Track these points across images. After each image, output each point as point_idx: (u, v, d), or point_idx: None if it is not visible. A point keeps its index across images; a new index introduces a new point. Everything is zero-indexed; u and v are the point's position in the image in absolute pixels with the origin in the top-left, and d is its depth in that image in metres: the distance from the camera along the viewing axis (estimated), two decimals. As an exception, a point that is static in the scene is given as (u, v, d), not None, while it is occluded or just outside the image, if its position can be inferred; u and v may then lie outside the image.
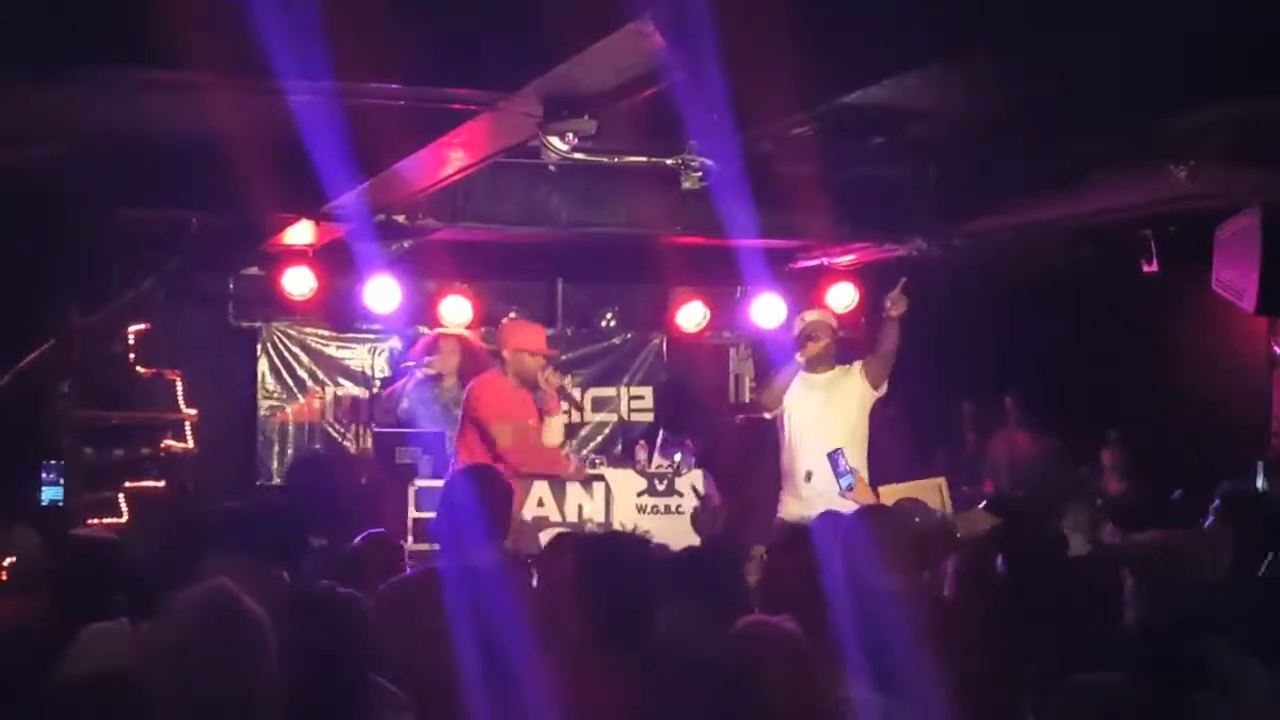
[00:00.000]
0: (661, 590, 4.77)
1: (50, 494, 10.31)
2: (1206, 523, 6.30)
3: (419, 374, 11.43)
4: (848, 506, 7.44)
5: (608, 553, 5.08)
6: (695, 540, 8.96)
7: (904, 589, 5.42)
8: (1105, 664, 3.95)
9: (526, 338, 9.81)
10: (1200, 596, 4.81)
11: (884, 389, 9.47)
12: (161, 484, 10.89)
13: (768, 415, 9.76)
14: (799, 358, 9.44)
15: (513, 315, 12.01)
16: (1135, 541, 5.18)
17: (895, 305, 9.26)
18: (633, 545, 5.31)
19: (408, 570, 7.06)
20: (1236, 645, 4.52)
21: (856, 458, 9.09)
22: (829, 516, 6.64)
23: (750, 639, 3.97)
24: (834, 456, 8.83)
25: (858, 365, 9.52)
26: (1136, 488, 10.44)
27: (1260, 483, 9.61)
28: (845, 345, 12.31)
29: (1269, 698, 4.41)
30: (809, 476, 9.17)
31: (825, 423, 9.32)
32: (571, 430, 12.62)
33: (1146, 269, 10.22)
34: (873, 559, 5.52)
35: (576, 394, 12.93)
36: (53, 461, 10.46)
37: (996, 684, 4.77)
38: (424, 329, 12.65)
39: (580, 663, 4.44)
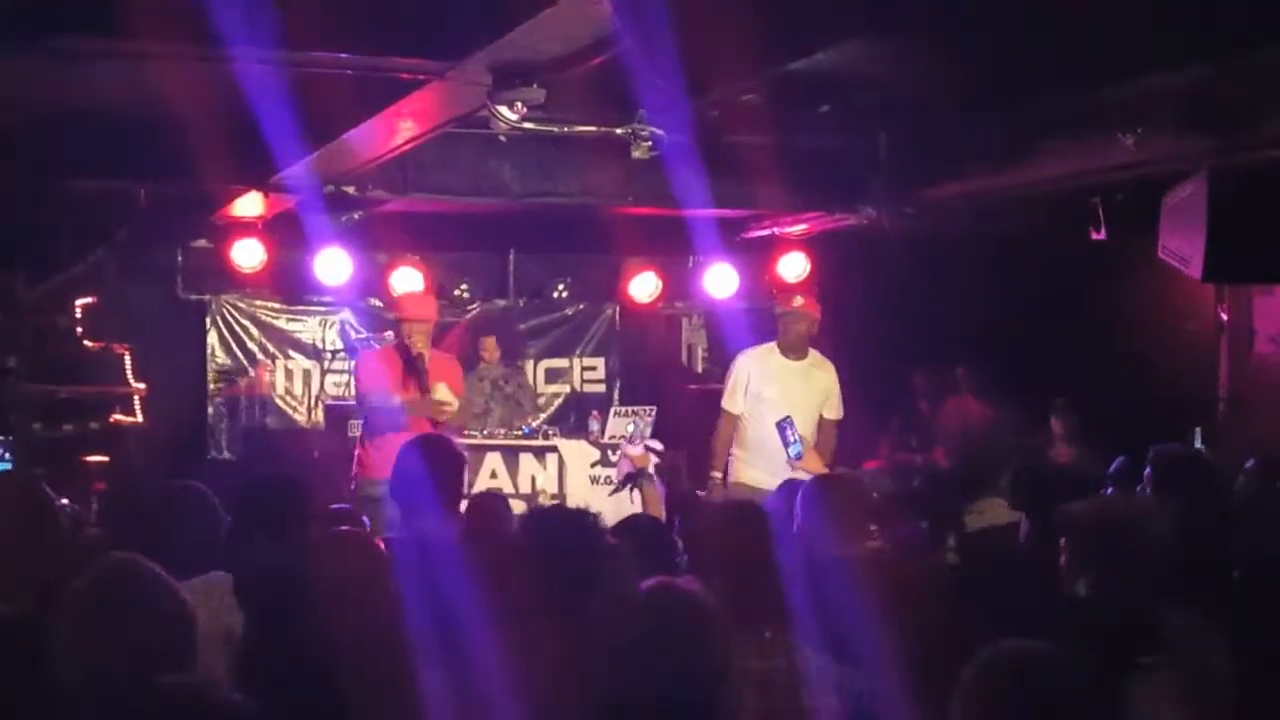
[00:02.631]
0: (604, 560, 4.78)
1: (-1, 469, 10.25)
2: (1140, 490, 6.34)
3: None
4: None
5: (550, 524, 5.08)
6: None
7: (858, 557, 5.44)
8: (1051, 632, 3.97)
9: (412, 306, 9.94)
10: (1138, 563, 4.83)
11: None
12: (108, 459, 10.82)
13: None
14: (776, 344, 9.51)
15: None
16: (1068, 510, 5.19)
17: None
18: (574, 517, 5.31)
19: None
20: (1182, 609, 4.56)
21: (808, 433, 9.16)
22: (786, 485, 6.65)
23: (655, 600, 3.99)
24: (782, 425, 8.86)
25: (831, 379, 9.56)
26: (1085, 455, 10.49)
27: (1197, 448, 9.69)
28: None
29: (1213, 660, 4.46)
30: (766, 457, 9.17)
31: (795, 406, 9.33)
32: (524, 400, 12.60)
33: (1095, 236, 10.25)
34: (827, 527, 5.53)
35: (529, 366, 12.96)
36: (1, 438, 10.40)
37: (947, 652, 4.79)
38: (375, 301, 12.62)
39: (529, 632, 4.44)
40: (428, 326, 9.57)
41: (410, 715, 4.18)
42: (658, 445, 8.96)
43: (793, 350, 9.53)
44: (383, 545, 5.36)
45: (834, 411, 9.56)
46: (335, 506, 7.12)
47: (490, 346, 11.89)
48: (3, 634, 3.44)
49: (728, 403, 9.55)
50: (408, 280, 12.25)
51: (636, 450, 8.74)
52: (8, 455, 10.37)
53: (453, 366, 9.81)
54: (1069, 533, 4.96)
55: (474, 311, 13.08)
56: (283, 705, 3.73)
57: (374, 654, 4.37)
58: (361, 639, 4.36)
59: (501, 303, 13.26)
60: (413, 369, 9.33)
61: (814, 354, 9.64)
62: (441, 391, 9.34)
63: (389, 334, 11.59)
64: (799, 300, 9.82)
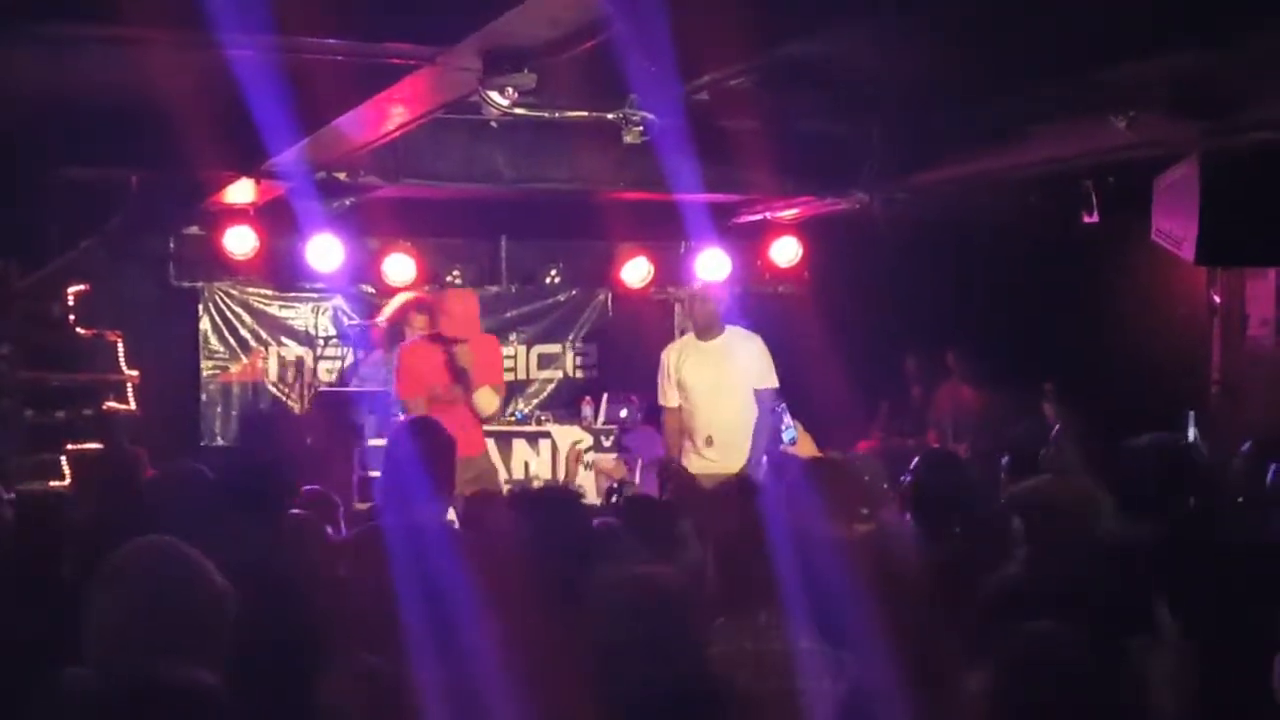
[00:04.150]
0: (598, 542, 4.79)
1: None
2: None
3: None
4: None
5: (542, 507, 5.09)
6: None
7: (849, 540, 5.45)
8: (1041, 612, 3.98)
9: (455, 324, 9.51)
10: (1085, 546, 4.87)
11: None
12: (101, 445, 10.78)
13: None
14: (692, 335, 9.52)
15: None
16: (1021, 490, 5.24)
17: None
18: (566, 500, 5.32)
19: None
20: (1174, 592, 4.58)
21: (750, 415, 9.12)
22: (775, 466, 6.66)
23: (628, 587, 4.01)
24: (776, 412, 8.88)
25: (756, 350, 9.49)
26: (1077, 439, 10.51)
27: (1191, 434, 9.70)
28: (789, 300, 12.42)
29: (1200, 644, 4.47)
30: (710, 441, 9.16)
31: (720, 386, 9.30)
32: (518, 387, 12.61)
33: (1087, 220, 10.26)
34: (818, 510, 5.54)
35: (511, 350, 12.87)
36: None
37: (937, 633, 4.80)
38: (367, 288, 12.62)
39: (523, 617, 4.45)
40: (468, 344, 9.38)
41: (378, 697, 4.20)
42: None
43: (706, 331, 9.51)
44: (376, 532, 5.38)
45: (765, 381, 9.43)
46: (306, 489, 7.14)
47: (421, 327, 11.36)
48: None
49: (661, 399, 9.55)
50: (402, 266, 12.25)
51: (608, 462, 8.79)
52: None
53: (494, 351, 9.67)
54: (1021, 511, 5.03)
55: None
56: (267, 689, 3.73)
57: (362, 639, 4.38)
58: (349, 623, 4.38)
59: (493, 289, 13.24)
60: (456, 369, 9.25)
61: (734, 330, 9.56)
62: (485, 397, 9.22)
63: (380, 319, 11.59)
64: (698, 283, 9.86)
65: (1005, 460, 7.47)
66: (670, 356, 9.54)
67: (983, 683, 3.45)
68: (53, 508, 5.92)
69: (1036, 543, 4.98)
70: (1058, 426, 10.96)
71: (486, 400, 9.19)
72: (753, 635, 4.56)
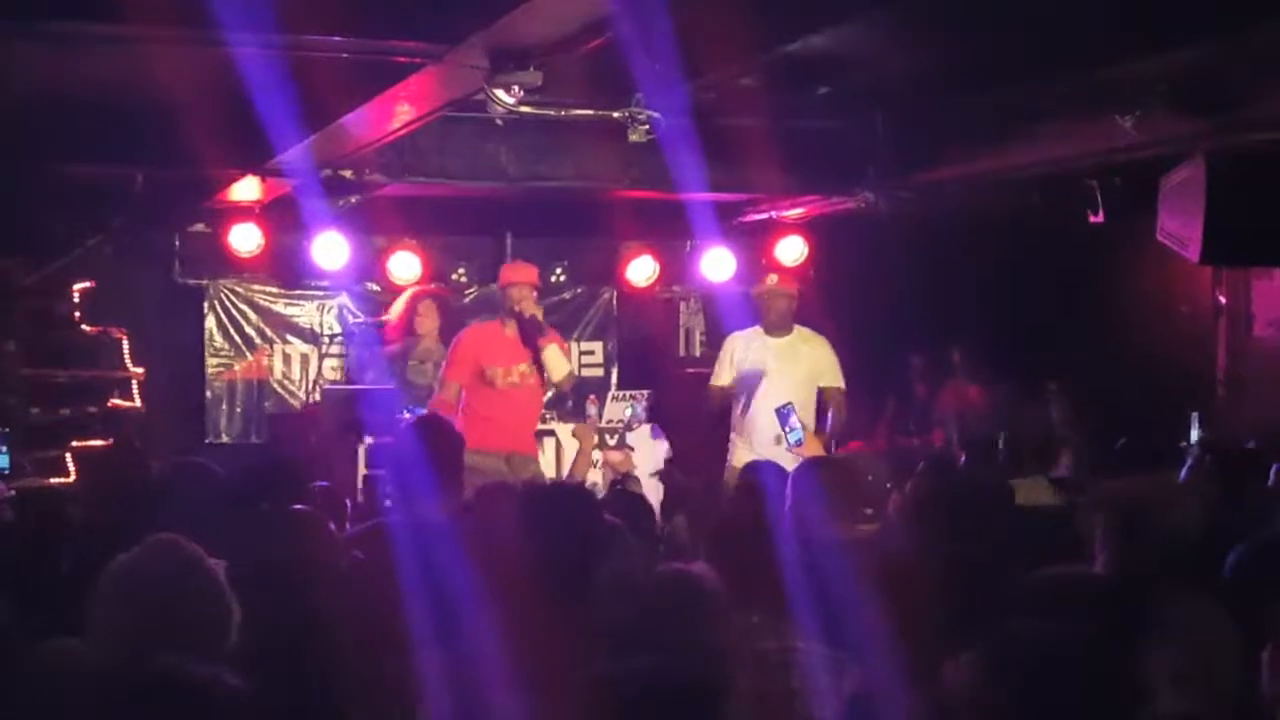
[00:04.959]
0: (603, 540, 4.79)
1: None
2: (1183, 473, 6.36)
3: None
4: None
5: (548, 505, 5.08)
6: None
7: (852, 540, 5.45)
8: (1051, 613, 3.97)
9: (513, 272, 9.75)
10: (1169, 545, 4.84)
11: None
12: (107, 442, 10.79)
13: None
14: (760, 326, 9.59)
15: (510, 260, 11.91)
16: (1107, 489, 5.21)
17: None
18: (572, 497, 5.31)
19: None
20: (1195, 591, 4.55)
21: (807, 417, 9.23)
22: (777, 468, 6.66)
23: (670, 584, 4.01)
24: (784, 412, 8.90)
25: (823, 351, 9.61)
26: (1081, 439, 10.51)
27: (1195, 434, 9.71)
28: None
29: (1224, 644, 4.44)
30: (778, 439, 9.21)
31: (783, 385, 9.41)
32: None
33: (1092, 220, 10.25)
34: (821, 510, 5.54)
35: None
36: (5, 430, 10.38)
37: (942, 634, 4.80)
38: (373, 285, 12.62)
39: (528, 615, 4.45)
40: (531, 289, 9.52)
41: (392, 697, 4.20)
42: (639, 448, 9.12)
43: (777, 328, 9.58)
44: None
45: (834, 380, 9.61)
46: (316, 485, 7.15)
47: (428, 314, 11.58)
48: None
49: (714, 378, 9.70)
50: (407, 264, 12.26)
51: (617, 456, 8.86)
52: (3, 447, 10.34)
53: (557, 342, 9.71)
54: (1106, 511, 4.99)
55: (472, 295, 13.07)
56: (274, 687, 3.73)
57: (368, 637, 4.38)
58: (355, 622, 4.38)
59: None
60: (527, 334, 9.35)
61: (801, 330, 9.71)
62: (554, 357, 9.35)
63: (388, 315, 11.59)
64: (773, 278, 9.92)
65: (1003, 452, 7.48)
66: (736, 343, 9.73)
67: (971, 672, 3.43)
68: (53, 504, 5.93)
69: (1127, 542, 4.94)
70: (1056, 419, 11.02)
71: (556, 360, 9.36)
72: (751, 634, 4.56)
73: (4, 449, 10.28)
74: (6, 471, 10.09)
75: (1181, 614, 4.33)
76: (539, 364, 9.36)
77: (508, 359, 9.37)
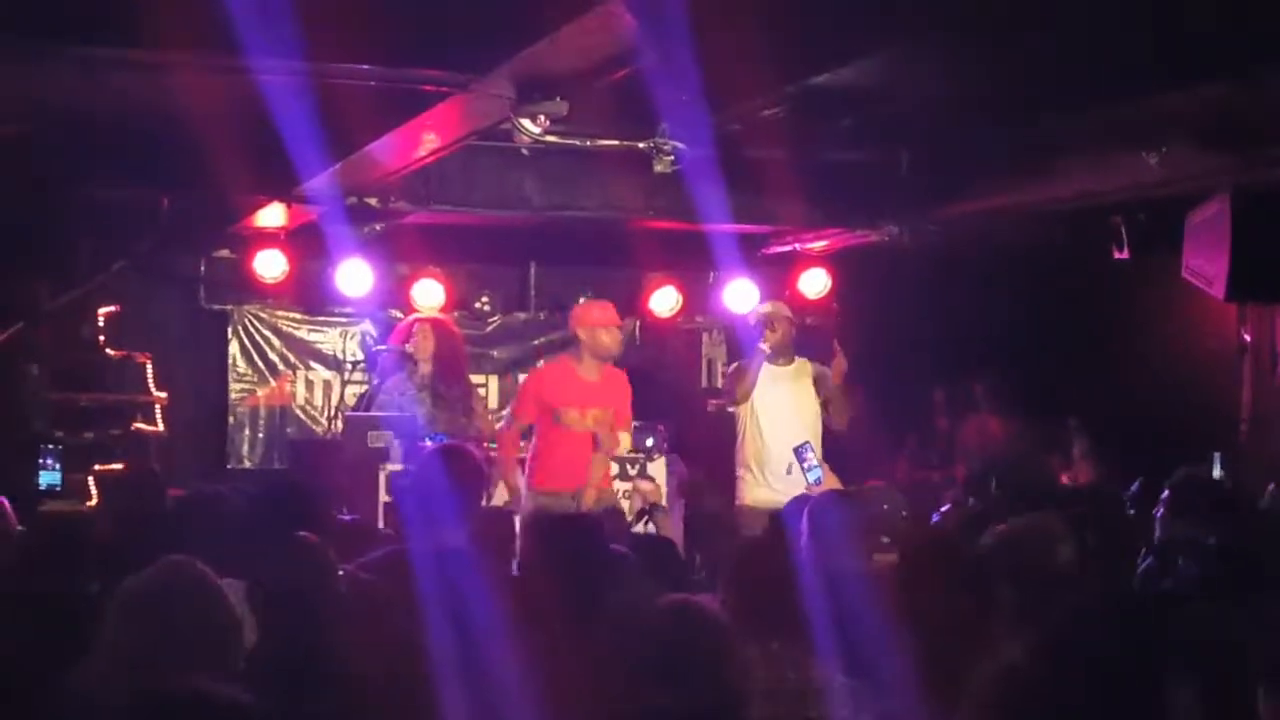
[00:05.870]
0: (614, 570, 4.80)
1: (47, 479, 10.28)
2: (1158, 513, 6.34)
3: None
4: None
5: (559, 534, 5.09)
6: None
7: (873, 572, 5.44)
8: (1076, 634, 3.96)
9: (599, 315, 9.61)
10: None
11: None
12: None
13: (732, 408, 9.78)
14: (763, 345, 9.46)
15: (583, 300, 11.84)
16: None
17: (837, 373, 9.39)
18: (584, 527, 5.32)
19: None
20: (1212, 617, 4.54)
21: (818, 447, 9.20)
22: (799, 500, 6.65)
23: (674, 616, 4.01)
24: (801, 451, 8.92)
25: (819, 371, 9.57)
26: (1101, 475, 10.49)
27: (1217, 472, 9.64)
28: (816, 332, 12.38)
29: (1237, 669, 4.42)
30: (790, 469, 9.17)
31: (795, 414, 9.37)
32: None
33: (1117, 256, 10.24)
34: (842, 542, 5.53)
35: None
36: (49, 447, 10.42)
37: (963, 664, 4.78)
38: (396, 313, 12.61)
39: (545, 643, 4.45)
40: (620, 330, 9.54)
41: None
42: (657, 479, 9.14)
43: (782, 356, 9.52)
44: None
45: (837, 379, 9.52)
46: (344, 518, 7.16)
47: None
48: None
49: (739, 384, 9.61)
50: (431, 291, 12.26)
51: (648, 485, 8.88)
52: (57, 465, 10.38)
53: (625, 389, 9.60)
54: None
55: (494, 324, 13.09)
56: (292, 711, 3.73)
57: (387, 664, 4.38)
58: (374, 648, 4.38)
59: (522, 315, 13.26)
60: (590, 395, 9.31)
61: (801, 360, 9.64)
62: (623, 442, 9.42)
63: (409, 345, 11.53)
64: (767, 306, 9.88)
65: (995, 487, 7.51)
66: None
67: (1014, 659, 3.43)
68: (72, 528, 5.94)
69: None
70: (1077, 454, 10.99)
71: (623, 445, 9.44)
72: (764, 664, 4.55)
73: (57, 467, 10.34)
74: (58, 489, 10.15)
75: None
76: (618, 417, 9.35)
77: (583, 401, 9.26)
